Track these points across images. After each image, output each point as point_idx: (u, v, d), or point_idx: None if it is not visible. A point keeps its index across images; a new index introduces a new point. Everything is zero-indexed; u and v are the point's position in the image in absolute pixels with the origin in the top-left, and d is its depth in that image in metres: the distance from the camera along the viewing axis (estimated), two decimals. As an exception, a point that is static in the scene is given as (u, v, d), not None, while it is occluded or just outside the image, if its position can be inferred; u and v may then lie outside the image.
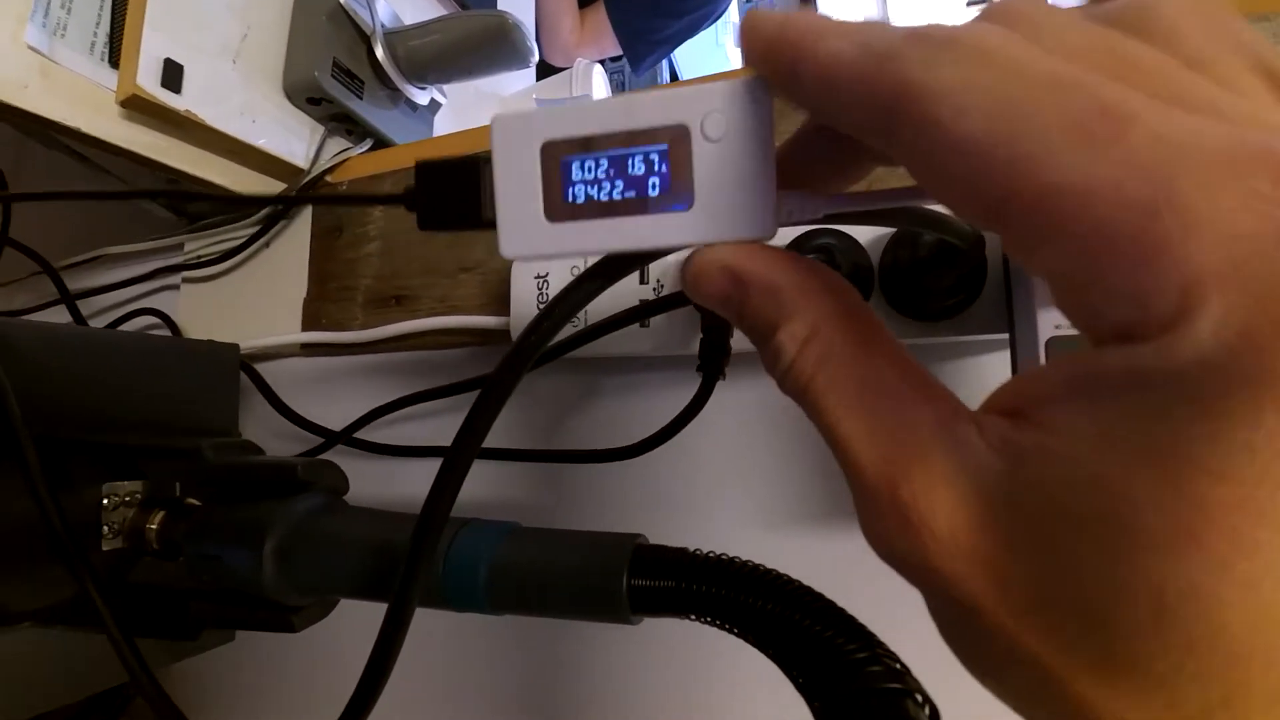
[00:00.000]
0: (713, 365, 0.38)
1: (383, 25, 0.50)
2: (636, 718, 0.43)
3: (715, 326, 0.38)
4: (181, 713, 0.27)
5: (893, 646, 0.20)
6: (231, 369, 0.48)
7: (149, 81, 0.41)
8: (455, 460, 0.22)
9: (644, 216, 0.19)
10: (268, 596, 0.28)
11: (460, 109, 0.63)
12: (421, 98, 0.55)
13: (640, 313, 0.39)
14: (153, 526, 0.36)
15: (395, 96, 0.54)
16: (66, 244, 0.63)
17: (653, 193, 0.19)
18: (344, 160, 0.53)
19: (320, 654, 0.50)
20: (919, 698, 0.18)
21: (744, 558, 0.23)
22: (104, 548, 0.36)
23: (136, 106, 0.42)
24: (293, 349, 0.54)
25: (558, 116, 0.19)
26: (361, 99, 0.50)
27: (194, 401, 0.47)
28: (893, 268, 0.35)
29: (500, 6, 0.78)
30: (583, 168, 0.19)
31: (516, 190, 0.20)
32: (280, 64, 0.48)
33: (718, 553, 0.23)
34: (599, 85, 0.83)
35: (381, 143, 0.54)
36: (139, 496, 0.38)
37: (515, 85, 0.82)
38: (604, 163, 0.19)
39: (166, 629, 0.32)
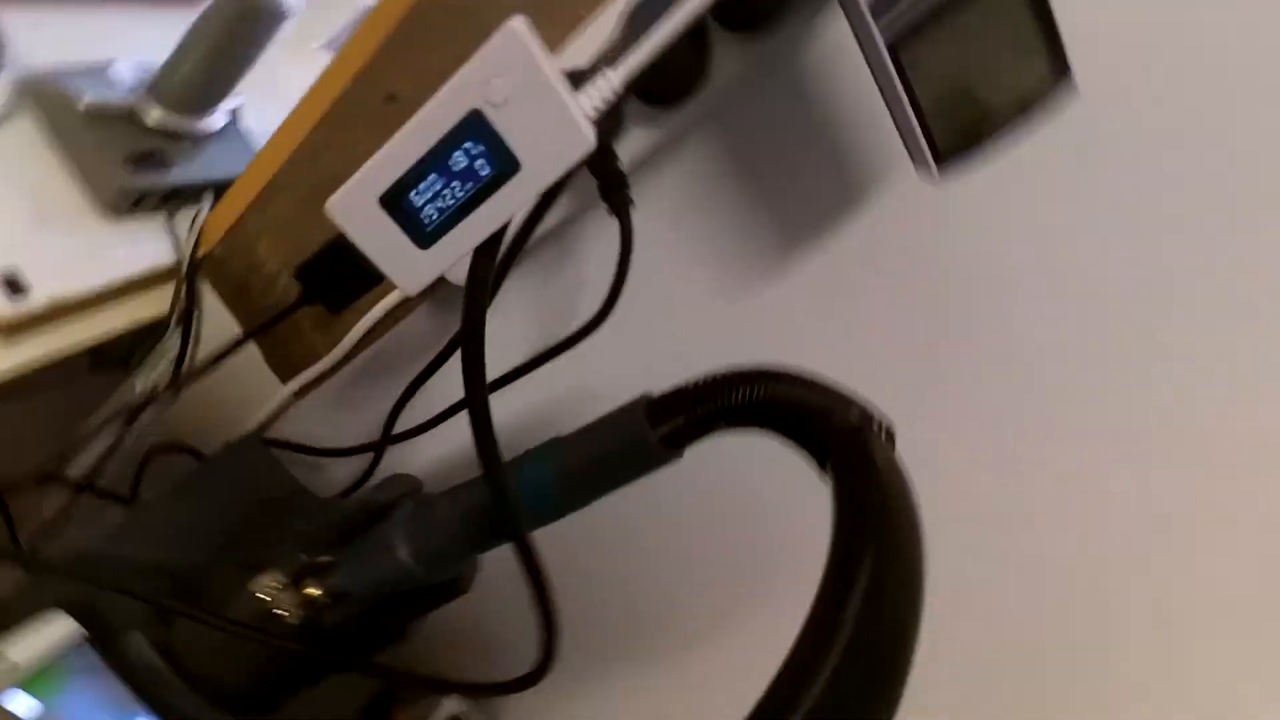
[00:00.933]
0: (618, 199, 0.40)
1: (135, 88, 0.47)
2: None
3: (601, 165, 0.40)
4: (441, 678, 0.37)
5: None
6: (263, 452, 0.53)
7: (4, 305, 0.41)
8: (476, 406, 0.27)
9: (491, 198, 0.22)
10: (431, 584, 0.36)
11: (268, 87, 0.59)
12: (219, 121, 0.53)
13: (545, 204, 0.41)
14: (313, 591, 0.43)
15: (197, 139, 0.52)
16: (37, 445, 0.65)
17: (485, 174, 0.22)
18: (201, 227, 0.52)
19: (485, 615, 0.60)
20: (878, 423, 0.23)
21: (726, 369, 0.28)
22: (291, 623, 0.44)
23: (9, 329, 0.42)
24: (289, 401, 0.58)
25: (375, 171, 0.22)
26: (171, 166, 0.49)
27: (257, 490, 0.52)
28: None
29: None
30: (420, 194, 0.22)
31: (384, 244, 0.23)
32: (85, 196, 0.47)
33: (706, 375, 0.29)
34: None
35: (220, 186, 0.53)
36: (282, 580, 0.45)
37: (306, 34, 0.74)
38: (433, 179, 0.22)
39: (381, 643, 0.40)
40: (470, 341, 0.26)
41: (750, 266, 0.46)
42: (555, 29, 0.39)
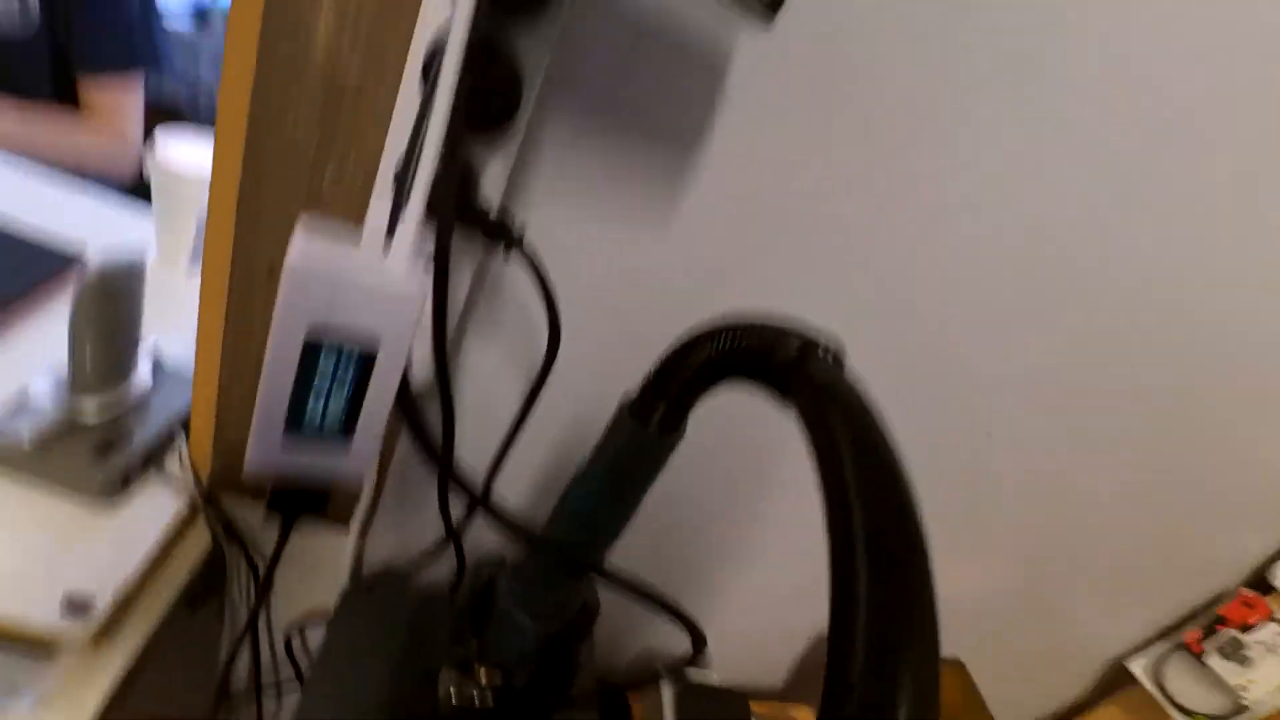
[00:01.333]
0: (507, 240, 0.40)
1: (58, 398, 0.49)
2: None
3: (477, 223, 0.39)
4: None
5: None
6: (368, 592, 0.58)
7: (80, 626, 0.43)
8: (488, 508, 0.28)
9: (374, 375, 0.23)
10: (576, 626, 0.40)
11: (167, 317, 0.59)
12: (146, 372, 0.54)
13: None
14: (487, 672, 0.48)
15: (138, 400, 0.53)
16: (195, 687, 0.71)
17: (354, 368, 0.23)
18: (191, 462, 0.55)
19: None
20: (820, 349, 0.24)
21: (678, 342, 0.29)
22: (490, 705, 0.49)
23: (99, 642, 0.45)
24: (360, 542, 0.61)
25: (264, 420, 0.22)
26: (133, 435, 0.51)
27: (388, 618, 0.57)
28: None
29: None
30: (313, 412, 0.23)
31: (315, 463, 0.24)
32: (80, 503, 0.49)
33: (664, 354, 0.30)
34: (186, 159, 0.70)
35: (184, 420, 0.55)
36: (458, 676, 0.50)
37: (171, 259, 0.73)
38: (315, 396, 0.23)
39: (568, 684, 0.45)
40: (450, 472, 0.27)
41: (663, 193, 0.45)
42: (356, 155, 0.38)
